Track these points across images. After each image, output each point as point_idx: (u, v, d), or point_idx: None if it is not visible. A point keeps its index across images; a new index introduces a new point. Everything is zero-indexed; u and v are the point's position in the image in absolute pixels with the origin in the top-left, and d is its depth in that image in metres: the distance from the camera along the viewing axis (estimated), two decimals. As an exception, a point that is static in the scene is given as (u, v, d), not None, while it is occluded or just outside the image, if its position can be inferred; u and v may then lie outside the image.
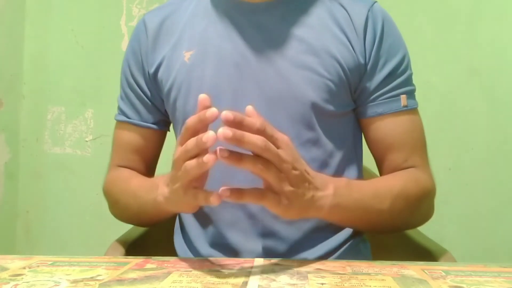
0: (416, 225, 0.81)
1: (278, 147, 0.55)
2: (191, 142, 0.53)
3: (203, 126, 0.54)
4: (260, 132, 0.53)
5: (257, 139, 0.52)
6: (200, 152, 0.53)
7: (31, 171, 1.50)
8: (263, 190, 0.56)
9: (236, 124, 0.52)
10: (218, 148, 0.51)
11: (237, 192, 0.54)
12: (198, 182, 0.57)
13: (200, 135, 0.52)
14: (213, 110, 0.53)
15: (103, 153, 1.46)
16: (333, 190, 0.62)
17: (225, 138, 0.50)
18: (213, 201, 0.53)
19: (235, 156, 0.52)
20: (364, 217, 0.68)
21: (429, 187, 0.75)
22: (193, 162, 0.53)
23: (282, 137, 0.56)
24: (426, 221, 0.78)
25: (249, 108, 0.57)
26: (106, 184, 0.83)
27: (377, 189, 0.70)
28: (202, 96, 0.55)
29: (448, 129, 1.35)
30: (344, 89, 0.75)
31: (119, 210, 0.81)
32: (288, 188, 0.56)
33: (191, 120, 0.54)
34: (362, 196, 0.67)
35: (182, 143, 0.55)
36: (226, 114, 0.51)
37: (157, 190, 0.66)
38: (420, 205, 0.74)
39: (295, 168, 0.56)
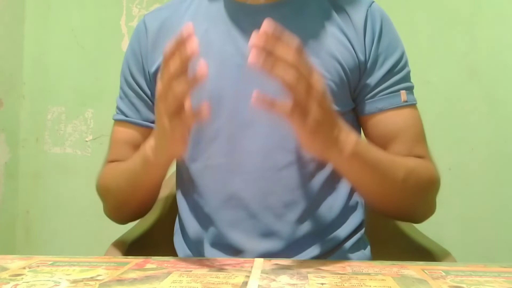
0: (420, 215, 0.79)
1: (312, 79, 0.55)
2: (174, 61, 0.53)
3: (183, 59, 0.53)
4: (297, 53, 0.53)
5: (291, 55, 0.52)
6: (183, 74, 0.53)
7: (31, 171, 1.50)
8: (293, 105, 0.55)
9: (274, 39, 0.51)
10: (253, 50, 0.49)
11: (269, 101, 0.54)
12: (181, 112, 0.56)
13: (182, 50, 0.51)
14: (192, 38, 0.51)
15: (103, 153, 1.45)
16: (356, 139, 0.63)
17: (258, 39, 0.49)
18: (204, 110, 0.53)
19: (268, 63, 0.51)
20: (379, 179, 0.68)
21: (436, 176, 0.76)
22: (181, 80, 0.54)
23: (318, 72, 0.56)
24: (429, 214, 0.77)
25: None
26: (98, 181, 0.83)
27: (394, 158, 0.71)
28: (187, 25, 0.54)
29: (448, 129, 1.35)
30: (344, 89, 0.75)
31: (111, 200, 0.80)
32: (316, 110, 0.55)
33: (169, 46, 0.54)
34: (381, 157, 0.68)
35: (163, 78, 0.55)
36: (267, 24, 0.50)
37: (144, 150, 0.67)
38: (428, 191, 0.75)
39: (325, 99, 0.56)
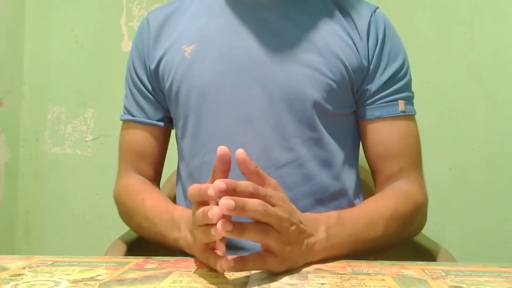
0: (410, 238, 0.80)
1: (273, 205, 0.53)
2: (199, 214, 0.52)
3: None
4: (254, 195, 0.52)
5: (257, 205, 0.51)
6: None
7: (31, 171, 1.50)
8: (263, 254, 0.54)
9: (230, 192, 0.50)
10: (220, 221, 0.49)
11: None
12: (216, 244, 0.55)
13: (206, 209, 0.51)
14: (218, 186, 0.50)
15: (103, 153, 1.47)
16: (325, 233, 0.61)
17: (229, 210, 0.48)
18: (219, 268, 0.51)
19: (238, 228, 0.50)
20: (359, 247, 0.66)
21: (420, 201, 0.74)
22: (200, 232, 0.53)
23: (275, 194, 0.55)
24: (419, 232, 0.78)
25: (240, 151, 0.54)
26: (117, 193, 0.82)
27: (370, 216, 0.68)
28: (222, 150, 0.54)
29: (448, 129, 1.35)
30: (346, 90, 0.75)
31: (131, 225, 0.81)
32: (287, 248, 0.54)
33: (194, 191, 0.53)
34: (355, 229, 0.65)
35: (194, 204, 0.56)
36: (219, 185, 0.49)
37: (178, 231, 0.65)
38: (412, 221, 0.74)
39: (291, 224, 0.55)
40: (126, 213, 0.80)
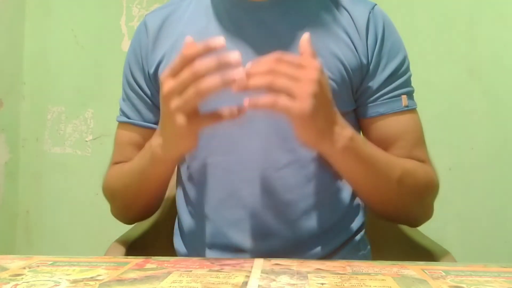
0: (416, 219, 0.79)
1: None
2: (207, 62, 0.54)
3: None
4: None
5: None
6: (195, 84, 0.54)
7: (31, 171, 1.50)
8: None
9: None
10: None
11: (263, 100, 0.56)
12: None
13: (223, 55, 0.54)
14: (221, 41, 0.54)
15: (103, 153, 1.46)
16: (351, 134, 0.63)
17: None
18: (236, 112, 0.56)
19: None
20: (372, 177, 0.67)
21: (435, 181, 0.75)
22: (213, 80, 0.54)
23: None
24: (425, 218, 0.77)
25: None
26: (104, 183, 0.83)
27: (390, 158, 0.70)
28: (189, 40, 0.56)
29: (448, 129, 1.35)
30: (346, 89, 0.75)
31: (119, 201, 0.80)
32: (313, 97, 0.56)
33: (190, 50, 0.55)
34: (376, 155, 0.67)
35: (174, 74, 0.56)
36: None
37: (150, 148, 0.67)
38: (426, 193, 0.74)
39: (322, 86, 0.58)
40: (112, 192, 0.81)
